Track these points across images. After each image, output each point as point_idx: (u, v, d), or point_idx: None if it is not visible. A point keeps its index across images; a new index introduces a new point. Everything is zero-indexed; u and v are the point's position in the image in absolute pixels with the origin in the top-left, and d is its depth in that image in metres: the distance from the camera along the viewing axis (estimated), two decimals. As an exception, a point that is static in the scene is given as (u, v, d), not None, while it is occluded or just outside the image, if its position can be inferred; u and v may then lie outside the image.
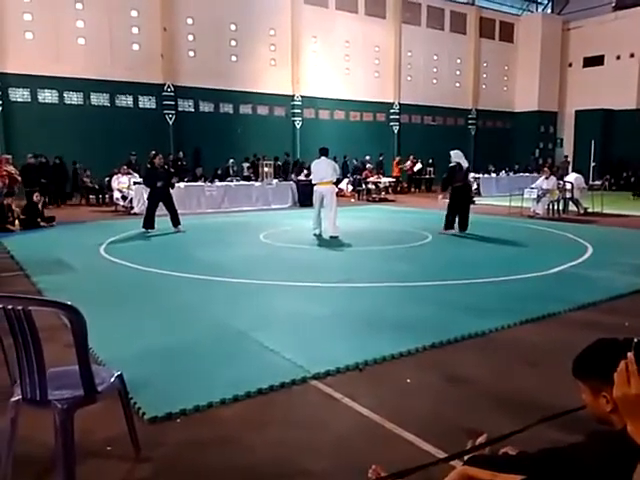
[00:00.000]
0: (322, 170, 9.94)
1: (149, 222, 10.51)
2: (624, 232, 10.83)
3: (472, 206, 16.39)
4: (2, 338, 2.35)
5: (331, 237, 9.65)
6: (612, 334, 1.58)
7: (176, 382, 3.50)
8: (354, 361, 3.80)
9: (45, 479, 2.49)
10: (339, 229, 9.81)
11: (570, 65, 29.67)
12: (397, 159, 23.16)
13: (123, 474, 2.53)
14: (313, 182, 10.25)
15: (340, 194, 14.73)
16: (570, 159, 25.54)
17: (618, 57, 27.25)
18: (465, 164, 10.38)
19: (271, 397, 3.33)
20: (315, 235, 9.95)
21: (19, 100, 17.47)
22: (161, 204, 10.72)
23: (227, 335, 4.46)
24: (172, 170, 11.36)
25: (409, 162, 22.58)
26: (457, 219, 10.34)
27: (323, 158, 10.04)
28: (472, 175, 19.92)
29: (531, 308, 5.12)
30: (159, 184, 10.62)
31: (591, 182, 19.99)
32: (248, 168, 18.54)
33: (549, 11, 31.25)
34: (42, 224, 11.33)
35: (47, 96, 17.94)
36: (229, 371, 3.68)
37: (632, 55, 26.70)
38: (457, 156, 10.38)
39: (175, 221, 10.78)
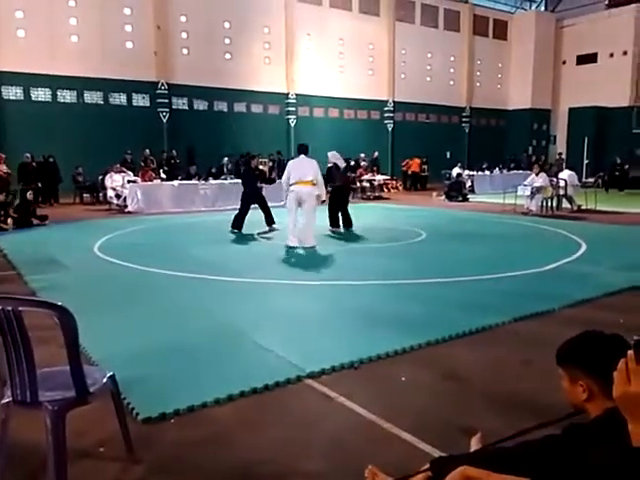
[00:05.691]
0: (302, 168, 8.61)
1: (239, 223, 10.36)
2: (617, 229, 10.86)
3: (466, 203, 16.61)
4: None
5: (306, 248, 8.42)
6: (608, 331, 1.58)
7: (170, 382, 3.48)
8: (349, 359, 3.79)
9: (37, 481, 2.46)
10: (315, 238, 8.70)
11: (564, 63, 29.71)
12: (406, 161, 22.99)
13: (116, 475, 2.50)
14: (290, 182, 8.57)
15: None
16: (564, 156, 25.59)
17: (611, 55, 27.29)
18: (342, 164, 10.77)
19: (266, 396, 3.31)
20: (292, 248, 8.46)
21: (12, 98, 17.33)
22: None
23: (221, 334, 4.43)
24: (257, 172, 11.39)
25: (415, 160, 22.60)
26: (341, 218, 10.45)
27: (303, 156, 8.78)
28: (466, 172, 20.02)
29: (526, 305, 5.12)
30: (258, 185, 10.70)
31: (584, 179, 20.03)
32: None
33: (542, 9, 31.27)
34: (35, 223, 11.26)
35: (40, 94, 17.80)
36: (223, 370, 3.66)
37: (625, 53, 26.75)
38: (334, 157, 10.75)
39: (269, 220, 10.50)
